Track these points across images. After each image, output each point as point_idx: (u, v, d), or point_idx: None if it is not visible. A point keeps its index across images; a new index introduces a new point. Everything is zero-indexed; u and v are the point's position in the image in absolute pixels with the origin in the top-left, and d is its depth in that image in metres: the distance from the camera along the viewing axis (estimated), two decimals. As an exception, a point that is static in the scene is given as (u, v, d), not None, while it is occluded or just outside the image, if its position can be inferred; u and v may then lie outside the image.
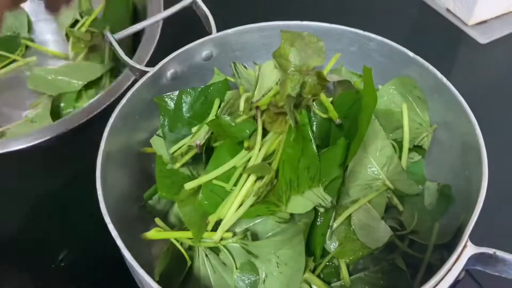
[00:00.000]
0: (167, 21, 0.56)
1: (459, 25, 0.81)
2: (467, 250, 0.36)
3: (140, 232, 0.45)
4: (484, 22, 0.82)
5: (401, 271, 0.44)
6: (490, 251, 0.36)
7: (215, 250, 0.44)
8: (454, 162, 0.48)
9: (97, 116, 0.55)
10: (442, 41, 0.80)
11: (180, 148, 0.49)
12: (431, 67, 0.47)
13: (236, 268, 0.42)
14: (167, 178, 0.48)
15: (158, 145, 0.51)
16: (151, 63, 0.50)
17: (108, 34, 0.50)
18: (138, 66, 0.50)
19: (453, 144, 0.48)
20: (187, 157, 0.48)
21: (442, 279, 0.35)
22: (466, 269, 0.39)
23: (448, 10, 0.84)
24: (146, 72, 0.49)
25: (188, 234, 0.43)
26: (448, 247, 0.44)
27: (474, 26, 0.81)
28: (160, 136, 0.51)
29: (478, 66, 0.77)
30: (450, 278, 0.35)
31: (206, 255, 0.43)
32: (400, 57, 0.49)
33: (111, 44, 0.51)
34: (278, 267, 0.41)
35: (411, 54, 0.48)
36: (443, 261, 0.43)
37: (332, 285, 0.44)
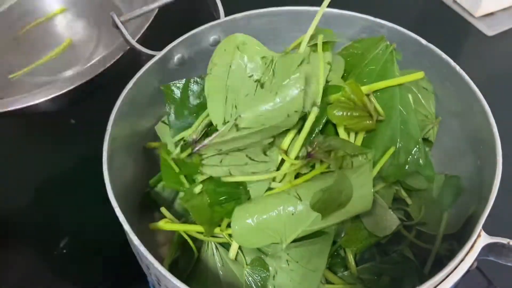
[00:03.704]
0: (174, 6, 0.54)
1: (466, 17, 0.81)
2: (480, 240, 0.36)
3: (145, 218, 0.44)
4: (491, 14, 0.81)
5: (410, 262, 0.44)
6: (504, 241, 0.35)
7: (224, 244, 0.43)
8: (465, 152, 0.47)
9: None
10: (449, 32, 0.79)
11: (182, 138, 0.48)
12: (444, 55, 0.46)
13: (247, 264, 0.41)
14: (172, 167, 0.48)
15: (163, 132, 0.50)
16: (158, 48, 0.49)
17: (114, 16, 0.49)
18: (144, 50, 0.49)
19: (464, 134, 0.47)
20: (191, 149, 0.47)
21: (455, 268, 0.34)
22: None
23: (455, 1, 0.83)
24: (153, 56, 0.48)
25: (199, 228, 0.42)
26: (457, 238, 0.44)
27: (481, 18, 0.80)
28: (165, 123, 0.50)
29: (484, 58, 0.77)
30: (463, 268, 0.34)
31: (216, 248, 0.42)
32: (412, 44, 0.48)
33: (116, 26, 0.49)
34: (288, 264, 0.40)
35: (423, 41, 0.48)
36: (452, 252, 0.43)
37: (338, 275, 0.44)
